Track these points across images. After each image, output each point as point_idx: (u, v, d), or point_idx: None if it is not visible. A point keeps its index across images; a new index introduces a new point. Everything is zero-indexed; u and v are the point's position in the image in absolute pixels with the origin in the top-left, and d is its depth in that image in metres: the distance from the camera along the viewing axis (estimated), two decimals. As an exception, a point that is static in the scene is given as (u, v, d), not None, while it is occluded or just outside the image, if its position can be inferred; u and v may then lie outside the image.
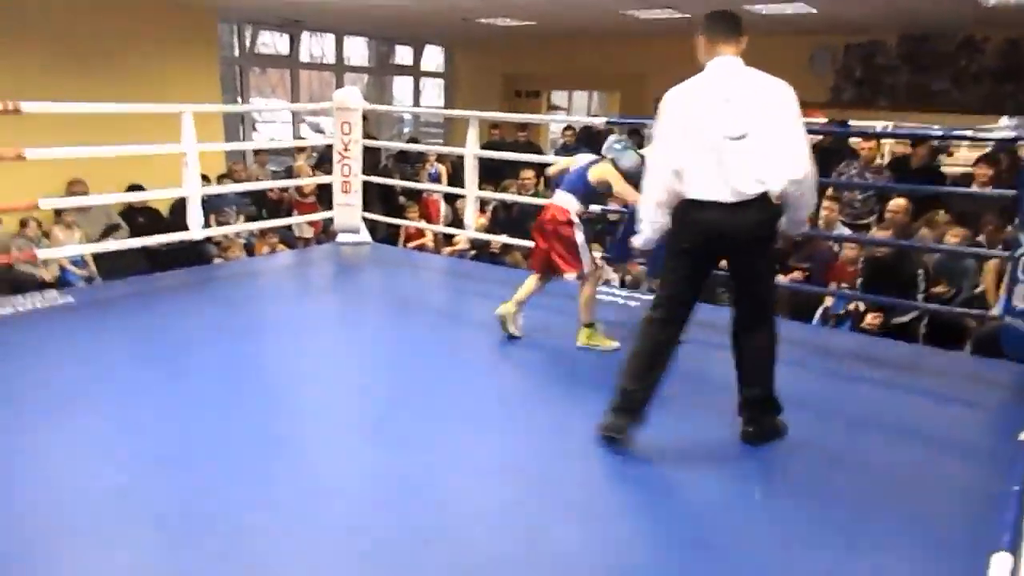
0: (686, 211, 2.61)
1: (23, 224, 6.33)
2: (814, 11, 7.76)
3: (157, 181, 6.09)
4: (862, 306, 4.92)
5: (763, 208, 2.56)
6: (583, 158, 4.02)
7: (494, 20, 9.45)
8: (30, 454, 2.61)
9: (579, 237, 3.79)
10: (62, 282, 5.97)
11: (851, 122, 10.19)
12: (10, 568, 1.99)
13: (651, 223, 2.73)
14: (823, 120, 10.11)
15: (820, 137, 6.70)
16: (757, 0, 7.43)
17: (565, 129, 9.67)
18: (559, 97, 14.14)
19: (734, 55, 2.59)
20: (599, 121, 6.04)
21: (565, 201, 3.83)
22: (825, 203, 5.45)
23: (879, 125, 8.65)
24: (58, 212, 6.55)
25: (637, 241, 2.85)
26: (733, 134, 2.50)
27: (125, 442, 2.72)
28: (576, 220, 3.80)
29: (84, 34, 7.55)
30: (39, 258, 5.73)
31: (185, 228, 5.30)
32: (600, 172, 3.81)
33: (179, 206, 6.30)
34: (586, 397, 3.13)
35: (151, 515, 2.28)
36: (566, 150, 9.17)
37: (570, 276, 3.82)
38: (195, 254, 6.42)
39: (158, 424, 2.86)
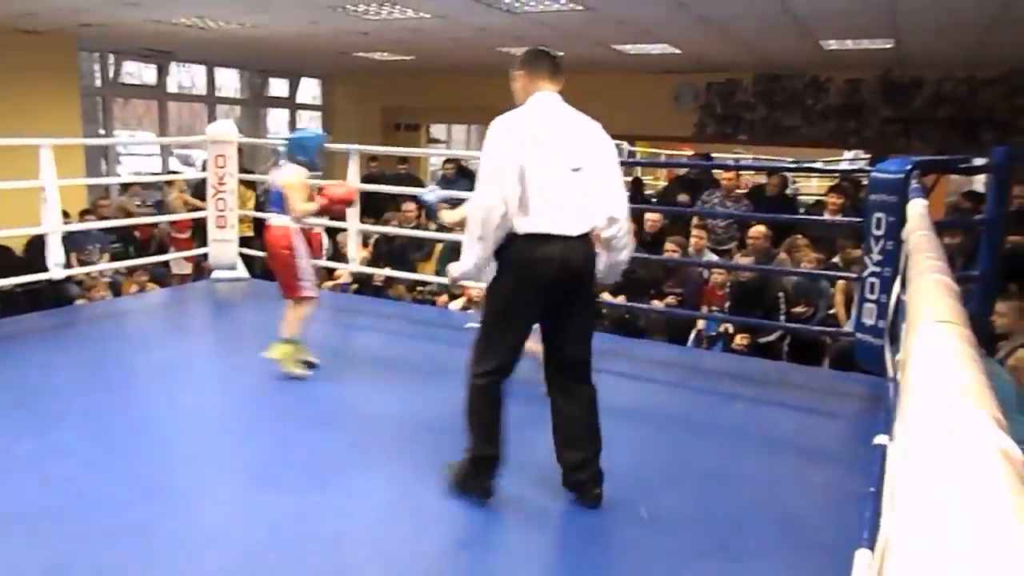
0: (525, 247, 2.42)
1: None
2: (678, 51, 8.25)
3: (10, 218, 5.69)
4: (731, 328, 5.22)
5: (591, 245, 2.54)
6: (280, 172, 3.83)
7: (372, 54, 9.47)
8: None
9: (299, 259, 3.70)
10: None
11: (714, 155, 10.87)
12: None
13: (476, 257, 2.49)
14: (690, 153, 10.71)
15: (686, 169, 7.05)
16: (627, 41, 7.81)
17: (446, 162, 9.78)
18: (438, 130, 14.28)
19: (555, 92, 2.56)
20: (476, 155, 6.15)
21: (278, 221, 3.72)
22: (694, 231, 5.76)
23: (739, 157, 9.26)
24: None
25: (456, 271, 2.63)
26: (573, 166, 2.46)
27: (-20, 500, 2.51)
28: (293, 241, 3.67)
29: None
30: None
31: (42, 268, 4.98)
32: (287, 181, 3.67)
33: (35, 244, 5.89)
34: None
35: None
36: (447, 183, 9.27)
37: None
38: (54, 295, 6.00)
39: (21, 481, 2.65)
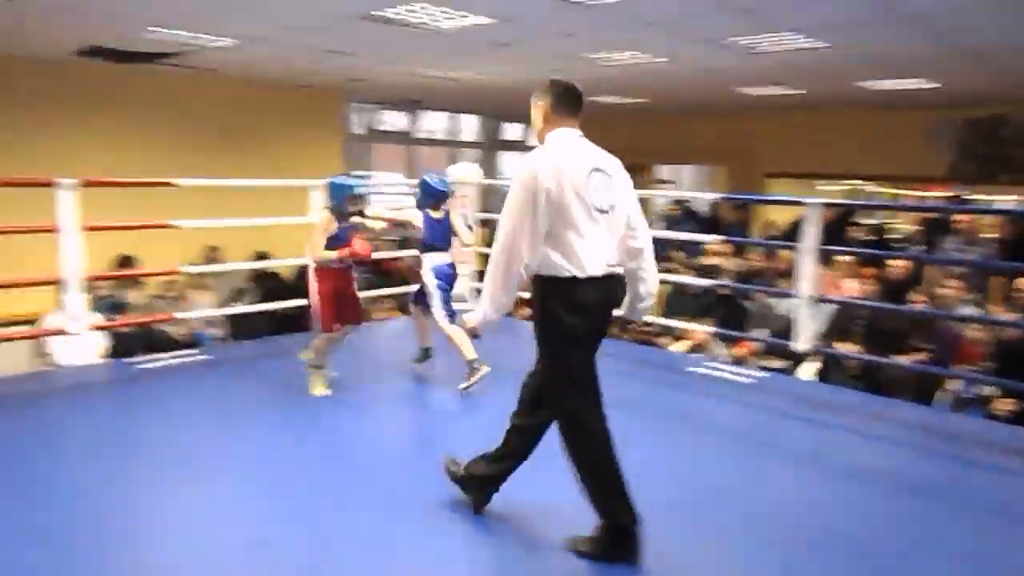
0: (571, 291, 2.35)
1: (165, 286, 6.85)
2: (934, 85, 7.61)
3: (282, 250, 6.57)
4: (991, 390, 4.65)
5: (621, 281, 2.50)
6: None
7: (605, 98, 9.71)
8: (165, 510, 2.80)
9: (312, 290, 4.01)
10: (194, 341, 6.38)
11: (971, 196, 9.77)
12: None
13: (499, 305, 2.44)
14: (945, 194, 9.73)
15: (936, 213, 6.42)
16: (873, 77, 7.35)
17: (673, 203, 9.73)
18: (666, 171, 14.23)
19: (576, 128, 2.50)
20: (708, 196, 6.07)
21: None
22: (948, 281, 5.24)
23: (1003, 200, 8.28)
24: (195, 275, 7.05)
25: (474, 320, 2.52)
26: (603, 206, 2.39)
27: (256, 499, 2.88)
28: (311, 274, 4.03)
29: (226, 116, 8.26)
30: (176, 319, 6.16)
31: (306, 294, 5.63)
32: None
33: (303, 272, 6.67)
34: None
35: (288, 566, 2.39)
36: (673, 223, 9.21)
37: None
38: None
39: (286, 480, 3.01)
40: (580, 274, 2.34)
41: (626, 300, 2.61)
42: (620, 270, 2.49)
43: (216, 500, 2.84)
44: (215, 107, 8.20)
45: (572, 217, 2.33)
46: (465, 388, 4.12)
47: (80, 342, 5.03)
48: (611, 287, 2.42)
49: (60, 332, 4.55)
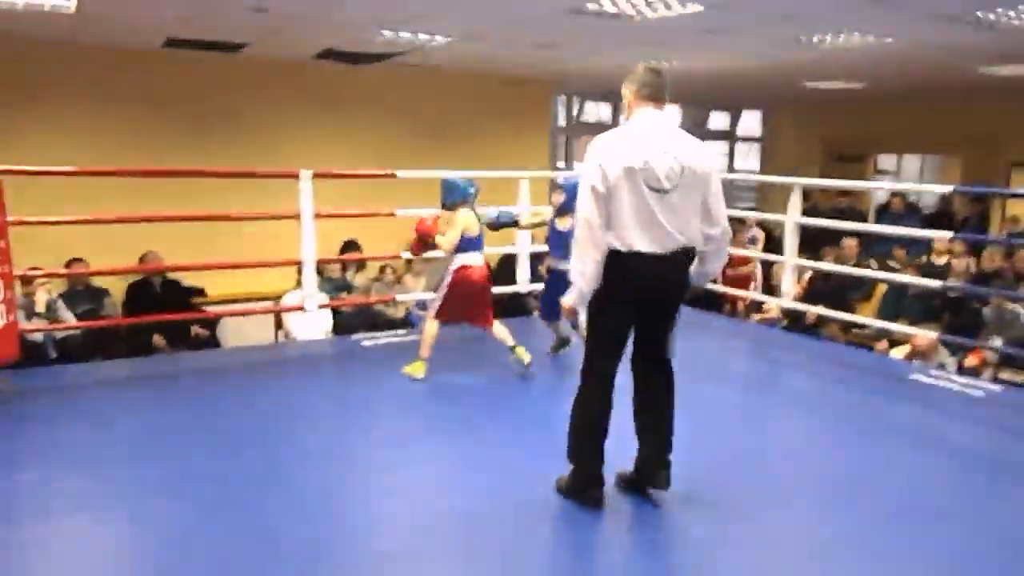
0: (624, 264, 2.55)
1: (381, 271, 7.40)
2: None
3: (491, 239, 6.85)
4: None
5: (687, 260, 2.63)
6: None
7: (820, 83, 9.15)
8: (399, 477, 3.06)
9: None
10: (408, 321, 6.85)
11: None
12: None
13: (589, 279, 2.57)
14: None
15: None
16: None
17: (893, 195, 9.00)
18: (886, 161, 13.13)
19: (659, 111, 2.65)
20: (941, 189, 5.55)
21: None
22: None
23: None
24: (409, 261, 7.56)
25: (569, 300, 2.64)
26: (665, 186, 2.51)
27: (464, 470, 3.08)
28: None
29: (439, 111, 8.73)
30: (395, 300, 6.66)
31: (511, 282, 5.86)
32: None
33: (507, 261, 6.93)
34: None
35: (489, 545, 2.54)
36: (893, 218, 8.52)
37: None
38: (518, 307, 6.98)
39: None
40: (624, 249, 2.53)
41: (692, 270, 2.73)
42: (678, 248, 2.58)
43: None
44: (432, 102, 8.70)
45: (623, 195, 2.51)
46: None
47: (312, 319, 5.59)
48: (660, 265, 2.56)
49: (299, 308, 5.09)
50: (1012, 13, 5.16)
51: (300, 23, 5.89)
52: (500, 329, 4.29)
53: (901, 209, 9.05)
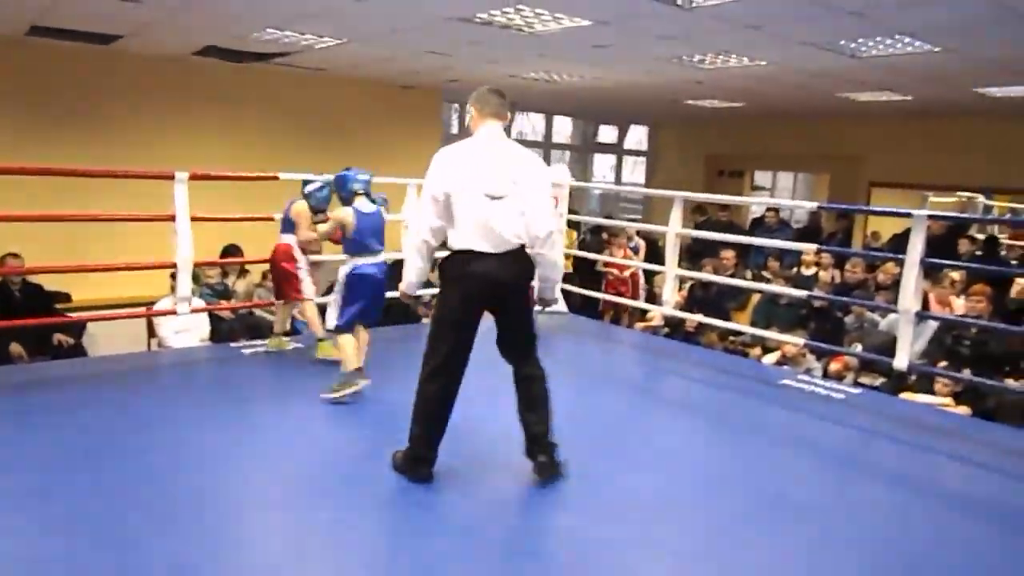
0: (461, 261, 2.85)
1: (264, 276, 7.15)
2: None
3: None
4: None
5: (520, 259, 2.91)
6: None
7: (702, 101, 9.56)
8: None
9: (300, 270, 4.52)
10: (293, 329, 6.64)
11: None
12: None
13: (415, 274, 3.01)
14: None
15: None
16: (996, 84, 6.96)
17: (768, 210, 9.48)
18: (762, 178, 13.88)
19: (498, 125, 2.97)
20: (808, 205, 5.90)
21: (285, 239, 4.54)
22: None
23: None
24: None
25: (405, 285, 3.05)
26: (495, 193, 2.81)
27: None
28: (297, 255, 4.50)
29: (329, 114, 8.57)
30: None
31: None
32: (295, 210, 4.48)
33: (394, 266, 6.83)
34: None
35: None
36: (767, 231, 8.97)
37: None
38: (403, 313, 6.90)
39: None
40: (462, 247, 2.83)
41: (535, 284, 3.05)
42: (510, 248, 2.86)
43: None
44: (320, 105, 8.52)
45: (463, 200, 2.82)
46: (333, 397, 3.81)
47: (187, 324, 5.33)
48: (493, 262, 2.83)
49: (170, 313, 4.84)
50: (871, 43, 5.56)
51: (178, 17, 5.64)
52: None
53: (775, 223, 9.54)
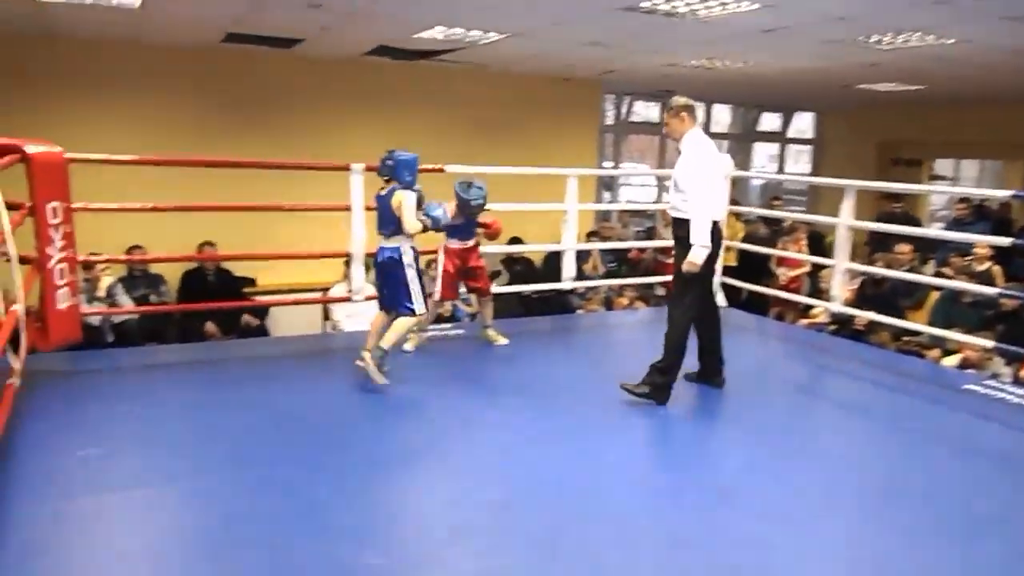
0: (715, 230, 3.74)
1: (428, 265, 7.46)
2: None
3: (533, 235, 6.93)
4: None
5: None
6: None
7: (876, 86, 8.95)
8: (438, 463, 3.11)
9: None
10: (452, 317, 6.90)
11: None
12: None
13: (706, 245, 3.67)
14: None
15: None
16: None
17: (959, 201, 8.68)
18: (943, 166, 12.80)
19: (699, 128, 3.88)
20: (1000, 194, 5.39)
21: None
22: None
23: None
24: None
25: (695, 258, 3.65)
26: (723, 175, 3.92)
27: (501, 465, 3.10)
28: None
29: (489, 108, 8.79)
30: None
31: (556, 279, 5.86)
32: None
33: (552, 257, 6.94)
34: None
35: (524, 530, 2.56)
36: (960, 225, 8.25)
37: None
38: (560, 304, 7.00)
39: (528, 449, 3.21)
40: (715, 218, 3.76)
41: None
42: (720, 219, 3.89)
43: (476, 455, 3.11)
44: (482, 99, 8.76)
45: (716, 183, 3.82)
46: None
47: (361, 310, 5.68)
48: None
49: (345, 299, 5.17)
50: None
51: (354, 19, 5.98)
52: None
53: (967, 216, 8.66)
